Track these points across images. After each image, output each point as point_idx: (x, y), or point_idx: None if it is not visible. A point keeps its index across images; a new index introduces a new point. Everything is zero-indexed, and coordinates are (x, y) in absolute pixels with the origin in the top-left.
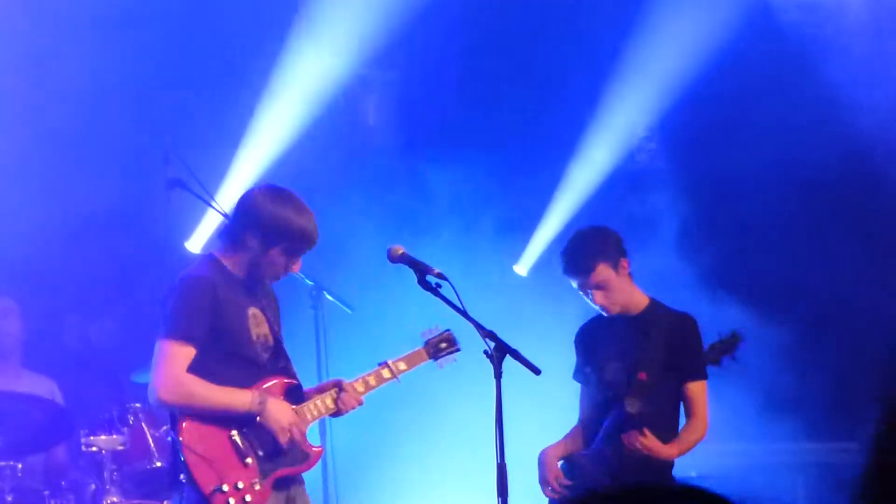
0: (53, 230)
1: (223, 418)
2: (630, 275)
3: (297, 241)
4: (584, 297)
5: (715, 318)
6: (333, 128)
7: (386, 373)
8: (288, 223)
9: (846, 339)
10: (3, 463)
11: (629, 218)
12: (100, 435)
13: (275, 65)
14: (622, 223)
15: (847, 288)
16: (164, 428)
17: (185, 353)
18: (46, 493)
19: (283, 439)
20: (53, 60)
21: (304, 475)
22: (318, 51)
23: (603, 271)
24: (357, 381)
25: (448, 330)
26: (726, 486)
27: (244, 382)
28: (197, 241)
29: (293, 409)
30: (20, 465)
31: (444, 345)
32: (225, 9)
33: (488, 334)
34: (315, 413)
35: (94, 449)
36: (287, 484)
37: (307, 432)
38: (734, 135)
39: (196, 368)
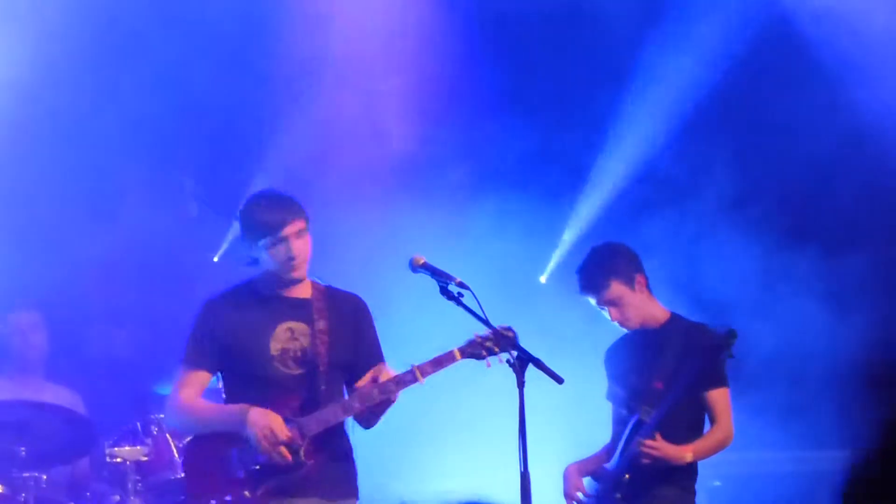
0: (77, 242)
1: (227, 435)
2: (649, 290)
3: (261, 231)
4: (603, 314)
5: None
6: (349, 137)
7: (408, 377)
8: (250, 219)
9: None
10: (27, 474)
11: (648, 227)
12: (123, 446)
13: (292, 77)
14: (642, 232)
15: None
16: (188, 438)
17: (191, 378)
18: None
19: (260, 447)
20: (76, 79)
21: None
22: (334, 60)
23: (617, 288)
24: (372, 388)
25: (503, 327)
26: (748, 494)
27: (260, 400)
28: (221, 253)
29: (278, 418)
30: (45, 477)
31: (490, 343)
32: (240, 22)
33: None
34: (321, 424)
35: (117, 460)
36: (288, 493)
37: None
38: (753, 142)
39: (225, 391)
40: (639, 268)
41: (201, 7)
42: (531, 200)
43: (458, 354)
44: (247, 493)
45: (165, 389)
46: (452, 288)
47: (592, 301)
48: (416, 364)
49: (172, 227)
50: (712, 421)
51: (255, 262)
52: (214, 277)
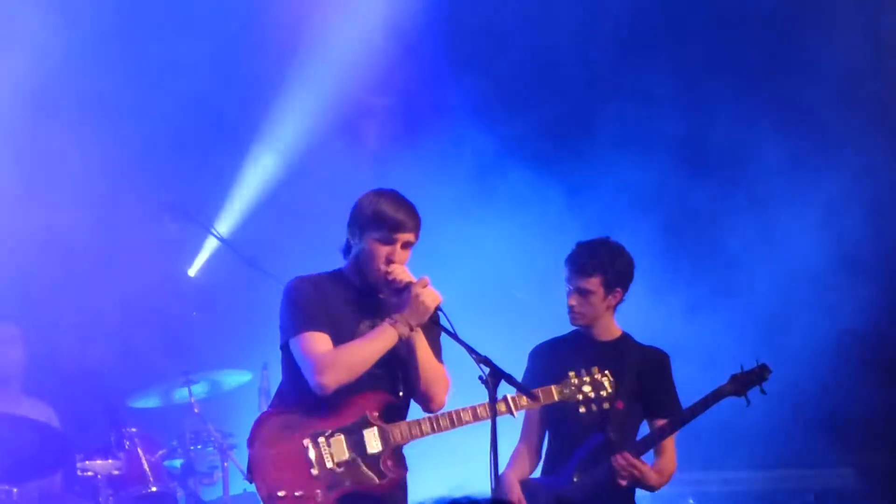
0: (52, 255)
1: (302, 425)
2: (616, 307)
3: (375, 223)
4: (565, 290)
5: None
6: (334, 154)
7: (502, 406)
8: (372, 208)
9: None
10: None
11: (634, 239)
12: (96, 459)
13: (275, 93)
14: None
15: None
16: (160, 452)
17: (320, 339)
18: None
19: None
20: (53, 94)
21: None
22: (318, 77)
23: (594, 283)
24: (465, 409)
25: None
26: None
27: (341, 394)
28: (196, 267)
29: (383, 427)
30: (15, 490)
31: (587, 382)
32: (227, 36)
33: (483, 360)
34: (406, 435)
35: (89, 473)
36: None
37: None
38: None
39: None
40: (625, 286)
41: (182, 15)
42: (513, 216)
43: (555, 394)
44: (319, 492)
45: (138, 403)
46: None
47: (565, 273)
48: (511, 395)
49: (148, 241)
50: (659, 449)
51: (347, 251)
52: (189, 291)
